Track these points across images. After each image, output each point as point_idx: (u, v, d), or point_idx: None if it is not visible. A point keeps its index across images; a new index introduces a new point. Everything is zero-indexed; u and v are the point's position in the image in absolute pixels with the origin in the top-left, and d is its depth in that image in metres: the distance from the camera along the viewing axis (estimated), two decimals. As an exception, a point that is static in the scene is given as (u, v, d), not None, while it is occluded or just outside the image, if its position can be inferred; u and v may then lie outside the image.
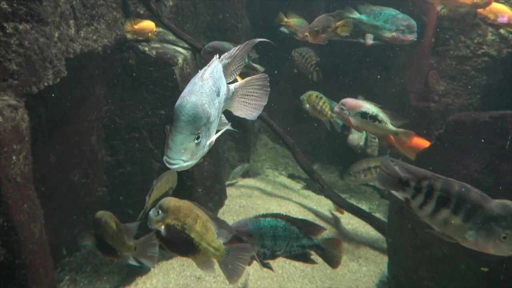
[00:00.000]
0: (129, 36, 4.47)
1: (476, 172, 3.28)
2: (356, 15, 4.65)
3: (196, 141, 1.73)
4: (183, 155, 1.73)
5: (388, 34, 4.53)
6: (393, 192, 2.52)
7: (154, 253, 2.99)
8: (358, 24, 4.68)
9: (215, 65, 1.92)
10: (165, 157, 1.73)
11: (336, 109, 4.28)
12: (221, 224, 2.64)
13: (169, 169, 1.77)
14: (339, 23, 4.53)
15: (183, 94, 1.77)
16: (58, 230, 4.09)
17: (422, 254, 3.79)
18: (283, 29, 5.46)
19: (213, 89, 1.85)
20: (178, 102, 1.73)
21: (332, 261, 3.03)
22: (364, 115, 4.12)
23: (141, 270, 4.39)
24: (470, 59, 4.92)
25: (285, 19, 5.34)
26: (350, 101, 4.26)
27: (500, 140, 3.21)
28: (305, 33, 4.71)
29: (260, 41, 2.03)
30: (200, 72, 1.89)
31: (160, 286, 4.19)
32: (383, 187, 2.57)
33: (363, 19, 4.63)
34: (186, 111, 1.69)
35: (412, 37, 4.47)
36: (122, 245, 3.05)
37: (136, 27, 4.40)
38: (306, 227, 3.02)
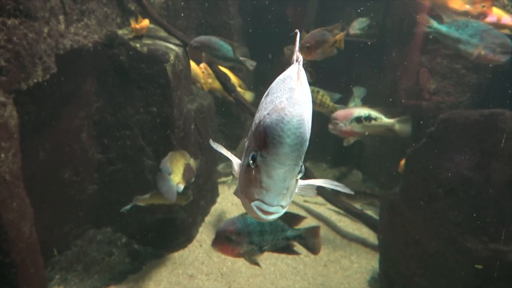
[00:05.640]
0: (129, 36, 4.39)
1: (466, 170, 3.32)
2: (432, 24, 4.03)
3: (297, 177, 1.17)
4: (284, 199, 1.14)
5: (473, 51, 3.80)
6: None
7: None
8: (435, 35, 4.04)
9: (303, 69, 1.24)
10: (258, 203, 1.13)
11: (331, 126, 4.27)
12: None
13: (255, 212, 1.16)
14: (337, 36, 4.08)
15: (277, 104, 1.11)
16: (49, 229, 4.05)
17: (413, 251, 3.82)
18: None
19: (311, 100, 1.24)
20: (274, 116, 1.09)
21: (313, 249, 3.21)
22: (358, 119, 4.14)
23: (133, 269, 4.36)
24: (460, 58, 4.95)
25: None
26: (340, 113, 4.31)
27: (490, 138, 3.25)
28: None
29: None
30: (288, 73, 1.27)
31: (152, 284, 4.17)
32: None
33: (442, 30, 3.96)
34: (293, 129, 1.08)
35: (504, 58, 3.73)
36: None
37: (138, 26, 4.39)
38: (288, 219, 3.07)
